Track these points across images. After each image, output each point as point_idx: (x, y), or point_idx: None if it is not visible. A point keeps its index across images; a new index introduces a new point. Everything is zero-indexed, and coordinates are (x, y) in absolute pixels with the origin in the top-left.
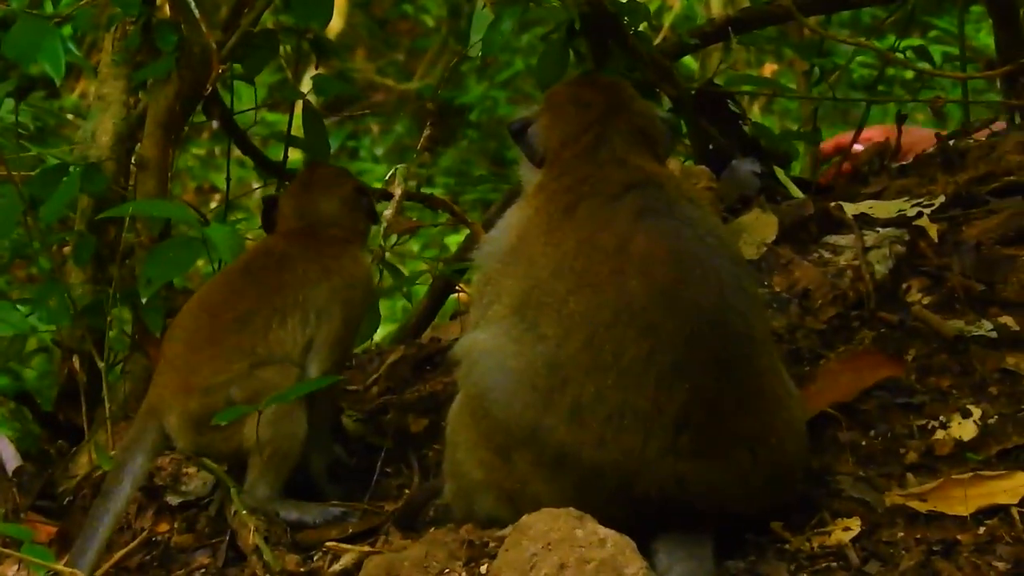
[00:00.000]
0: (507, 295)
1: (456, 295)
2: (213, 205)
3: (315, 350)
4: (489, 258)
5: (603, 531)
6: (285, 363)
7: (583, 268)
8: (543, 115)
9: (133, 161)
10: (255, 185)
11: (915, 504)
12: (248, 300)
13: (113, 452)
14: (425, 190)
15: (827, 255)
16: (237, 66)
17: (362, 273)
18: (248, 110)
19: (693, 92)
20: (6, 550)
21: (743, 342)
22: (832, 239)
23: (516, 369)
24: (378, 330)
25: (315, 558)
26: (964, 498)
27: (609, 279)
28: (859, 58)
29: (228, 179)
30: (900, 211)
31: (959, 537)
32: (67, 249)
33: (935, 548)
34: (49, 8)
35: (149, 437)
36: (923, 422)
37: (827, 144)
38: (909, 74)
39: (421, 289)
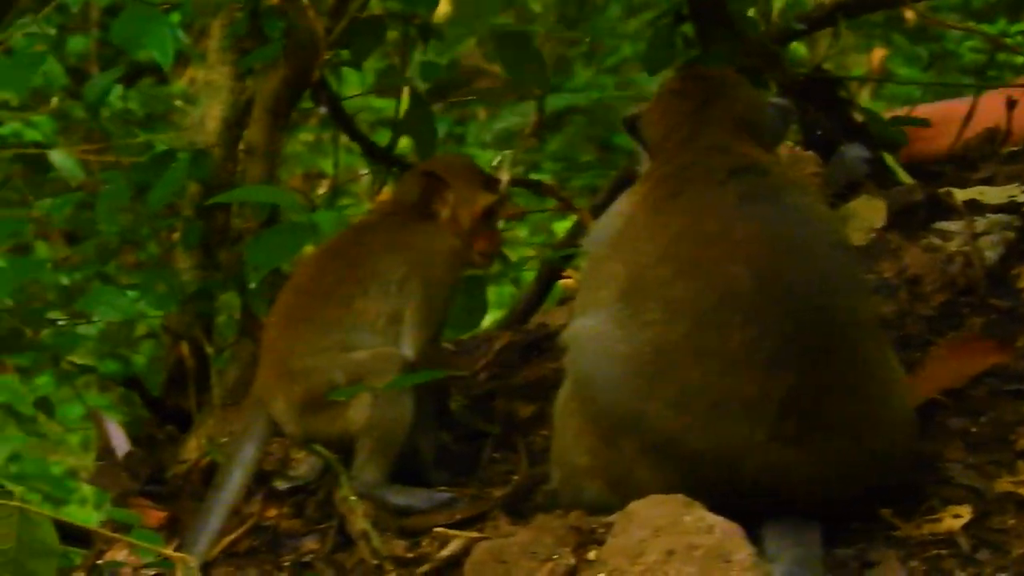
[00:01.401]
0: (613, 281)
1: (562, 281)
2: (320, 191)
3: (405, 326)
4: (596, 245)
5: (711, 517)
6: (387, 347)
7: (687, 254)
8: (649, 107)
9: (241, 147)
10: (362, 171)
11: None
12: (331, 275)
13: (224, 439)
14: (532, 176)
15: (936, 241)
16: (344, 52)
17: (440, 248)
18: (355, 96)
19: (801, 78)
20: (116, 535)
21: (848, 328)
22: (941, 225)
23: (622, 355)
24: (486, 316)
25: (423, 543)
26: None
27: (713, 265)
28: (968, 43)
29: (336, 165)
30: (1011, 197)
31: None
32: (175, 235)
33: None
34: None
35: (257, 427)
36: None
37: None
38: (1020, 59)
39: (528, 275)
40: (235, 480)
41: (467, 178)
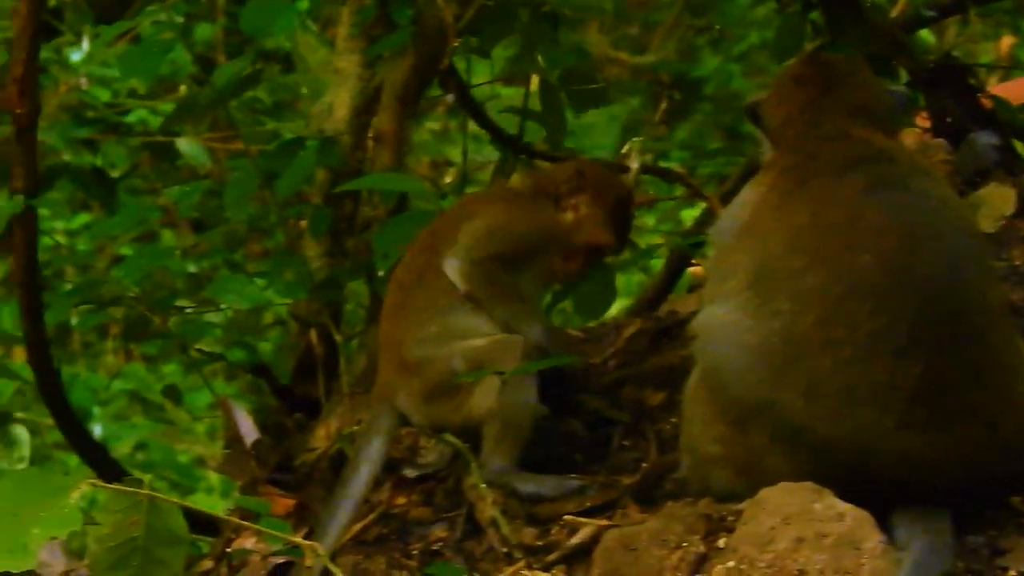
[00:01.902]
0: (742, 270)
1: (691, 269)
2: (447, 180)
3: (455, 244)
4: (724, 234)
5: (841, 505)
6: (510, 334)
7: (815, 243)
8: (770, 94)
9: (369, 135)
10: (489, 159)
11: None
12: (422, 261)
13: (353, 427)
14: (661, 163)
15: None
16: (473, 39)
17: (531, 220)
18: (483, 83)
19: (930, 65)
20: (244, 523)
21: (977, 315)
22: None
23: (751, 344)
24: (614, 304)
25: (552, 531)
26: None
27: (841, 254)
28: None
29: (464, 152)
30: None
31: None
32: (303, 222)
33: None
34: None
35: (384, 421)
36: None
37: None
38: None
39: (657, 263)
40: (363, 475)
41: (609, 207)
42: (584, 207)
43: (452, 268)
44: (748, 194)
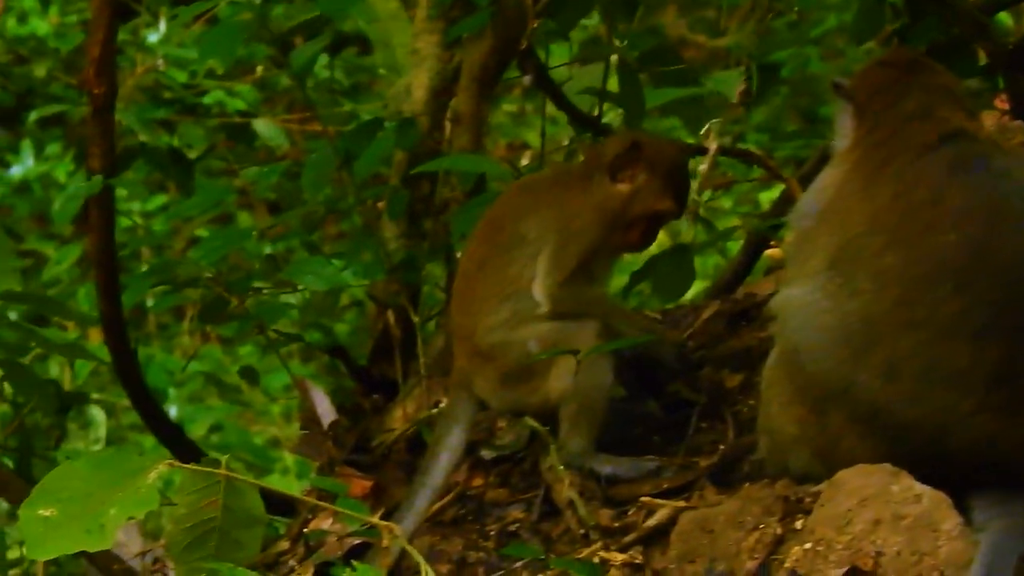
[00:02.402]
0: (822, 251)
1: (769, 251)
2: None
3: (539, 272)
4: (804, 217)
5: (918, 487)
6: (584, 316)
7: (897, 223)
8: (857, 75)
9: (447, 116)
10: (566, 141)
11: None
12: (484, 247)
13: (431, 410)
14: (739, 145)
15: None
16: (551, 22)
17: (587, 203)
18: (561, 65)
19: (1009, 47)
20: (321, 503)
21: None
22: None
23: (830, 325)
24: (692, 286)
25: (629, 513)
26: None
27: (923, 234)
28: None
29: (543, 134)
30: None
31: None
32: (381, 204)
33: None
34: None
35: (462, 408)
36: None
37: None
38: None
39: (735, 245)
40: (442, 463)
41: (665, 173)
42: (640, 176)
43: (540, 297)
44: (828, 176)
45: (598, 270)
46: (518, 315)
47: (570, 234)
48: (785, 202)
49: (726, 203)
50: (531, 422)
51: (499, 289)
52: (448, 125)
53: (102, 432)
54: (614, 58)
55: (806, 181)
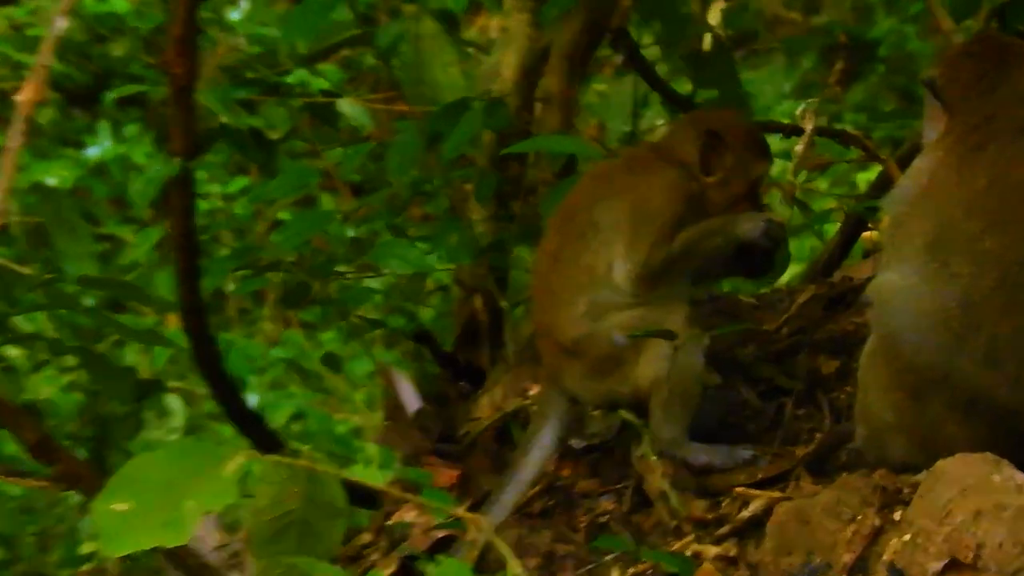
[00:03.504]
0: (919, 235)
1: (867, 233)
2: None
3: (618, 260)
4: (898, 203)
5: (1020, 476)
6: (672, 300)
7: (995, 206)
8: (945, 64)
9: (537, 96)
10: (659, 122)
11: None
12: (558, 237)
13: (521, 401)
14: (836, 125)
15: None
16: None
17: (659, 186)
18: (652, 44)
19: None
20: (405, 494)
21: None
22: None
23: (928, 310)
24: (787, 270)
25: (723, 504)
26: None
27: (1022, 216)
28: None
29: (635, 114)
30: None
31: None
32: (468, 186)
33: None
34: None
35: (553, 404)
36: None
37: None
38: None
39: (831, 228)
40: (533, 459)
41: (747, 142)
42: (729, 159)
43: (623, 283)
44: (924, 161)
45: None
46: (598, 306)
47: (644, 215)
48: (882, 183)
49: (822, 184)
50: (625, 415)
51: (575, 281)
52: (538, 105)
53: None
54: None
55: (904, 162)
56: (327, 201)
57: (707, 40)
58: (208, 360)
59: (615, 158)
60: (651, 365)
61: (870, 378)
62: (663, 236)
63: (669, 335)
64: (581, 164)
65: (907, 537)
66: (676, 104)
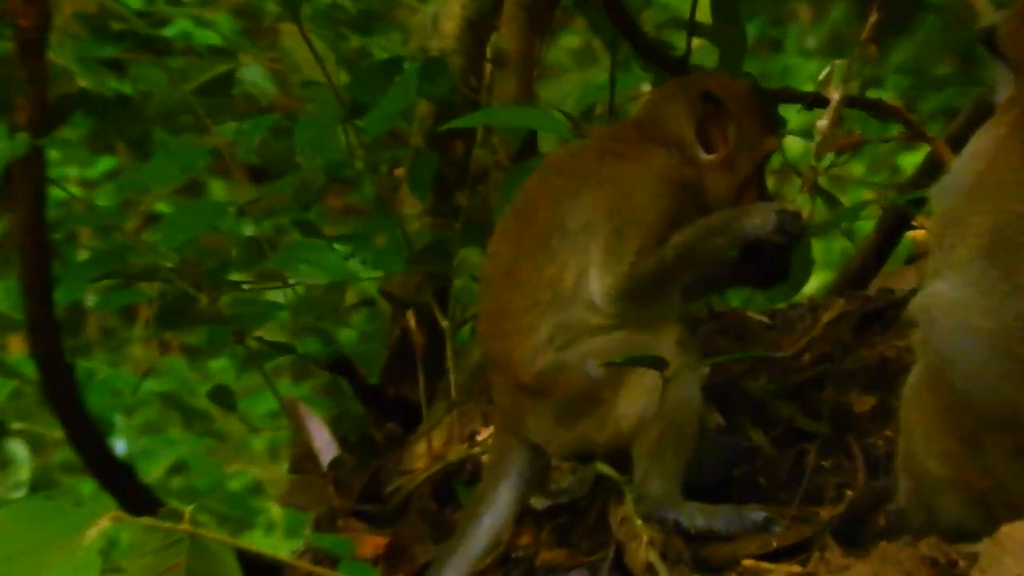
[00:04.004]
0: (974, 236)
1: (912, 233)
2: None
3: (593, 272)
4: (951, 191)
5: None
6: (661, 319)
7: None
8: (1011, 19)
9: (487, 55)
10: (644, 86)
11: None
12: (510, 247)
13: (468, 448)
14: (871, 94)
15: None
16: None
17: (644, 174)
18: None
19: None
20: (317, 569)
21: None
22: None
23: (987, 331)
24: (809, 278)
25: None
26: None
27: None
28: None
29: (612, 79)
30: None
31: None
32: (399, 171)
33: None
34: None
35: (510, 456)
36: None
37: None
38: None
39: (866, 225)
40: (483, 527)
41: (752, 110)
42: (732, 130)
43: (598, 300)
44: (982, 140)
45: None
46: (566, 329)
47: (627, 212)
48: (931, 169)
49: (856, 170)
50: (603, 467)
51: (536, 298)
52: (488, 67)
53: (25, 475)
54: None
55: (958, 140)
56: (218, 189)
57: None
58: (63, 395)
59: (588, 138)
60: (635, 403)
61: (916, 419)
62: (651, 239)
63: (658, 364)
64: (544, 144)
65: None
66: (664, 66)
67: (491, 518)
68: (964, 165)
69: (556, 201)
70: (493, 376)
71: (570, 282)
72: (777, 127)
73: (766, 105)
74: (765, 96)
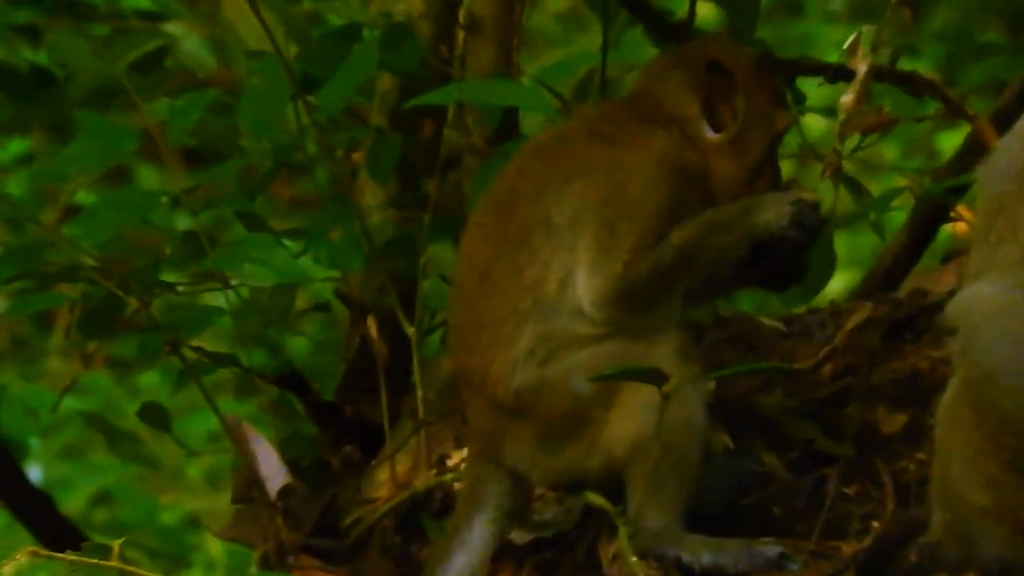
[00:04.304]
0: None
1: (951, 226)
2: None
3: (581, 274)
4: (1000, 176)
5: None
6: (660, 327)
7: None
8: None
9: (461, 20)
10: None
11: None
12: (484, 248)
13: (437, 475)
14: (904, 64)
15: None
16: None
17: (641, 160)
18: None
19: None
20: None
21: None
22: None
23: None
24: (831, 279)
25: None
26: None
27: None
28: None
29: (604, 48)
30: None
31: None
32: (358, 155)
33: None
34: None
35: (487, 484)
36: None
37: None
38: None
39: (898, 217)
40: (457, 565)
41: (762, 81)
42: (740, 104)
43: (587, 305)
44: None
45: None
46: (550, 340)
47: (621, 204)
48: (972, 151)
49: (886, 153)
50: (593, 497)
51: (515, 305)
52: (461, 34)
53: None
54: None
55: (1006, 120)
56: (148, 176)
57: None
58: None
59: (575, 118)
60: (629, 423)
61: (953, 440)
62: (647, 235)
63: (655, 378)
64: (526, 125)
65: None
66: (663, 32)
67: (464, 556)
68: (1013, 146)
69: (539, 191)
70: (467, 394)
71: (554, 285)
72: (785, 101)
73: (774, 75)
74: (775, 64)
